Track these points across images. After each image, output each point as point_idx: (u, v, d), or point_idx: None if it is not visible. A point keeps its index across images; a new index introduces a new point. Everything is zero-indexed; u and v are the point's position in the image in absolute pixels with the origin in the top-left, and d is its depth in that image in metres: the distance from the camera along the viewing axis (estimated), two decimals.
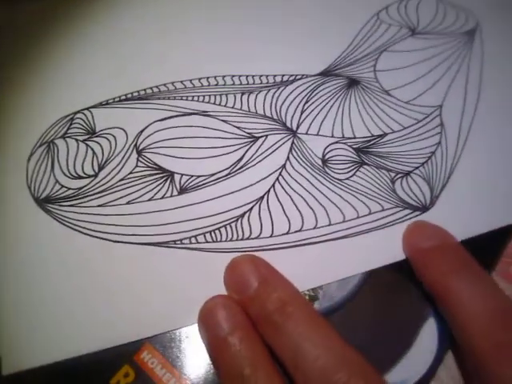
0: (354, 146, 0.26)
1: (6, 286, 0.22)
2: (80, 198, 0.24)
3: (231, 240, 0.23)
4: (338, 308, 0.22)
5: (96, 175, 0.24)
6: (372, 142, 0.26)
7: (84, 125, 0.26)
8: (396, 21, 0.31)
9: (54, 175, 0.24)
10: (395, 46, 0.30)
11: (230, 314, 0.19)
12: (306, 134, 0.26)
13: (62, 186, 0.24)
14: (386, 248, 0.23)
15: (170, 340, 0.21)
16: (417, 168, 0.25)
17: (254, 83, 0.28)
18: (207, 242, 0.23)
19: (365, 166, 0.25)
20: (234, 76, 0.28)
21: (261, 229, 0.23)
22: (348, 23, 0.30)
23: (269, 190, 0.24)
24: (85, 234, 0.23)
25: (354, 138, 0.26)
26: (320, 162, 0.25)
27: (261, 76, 0.28)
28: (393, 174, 0.25)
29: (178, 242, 0.22)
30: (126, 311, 0.21)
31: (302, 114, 0.27)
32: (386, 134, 0.26)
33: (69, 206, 0.23)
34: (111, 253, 0.22)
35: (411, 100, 0.28)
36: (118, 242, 0.22)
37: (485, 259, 0.23)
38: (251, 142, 0.26)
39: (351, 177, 0.25)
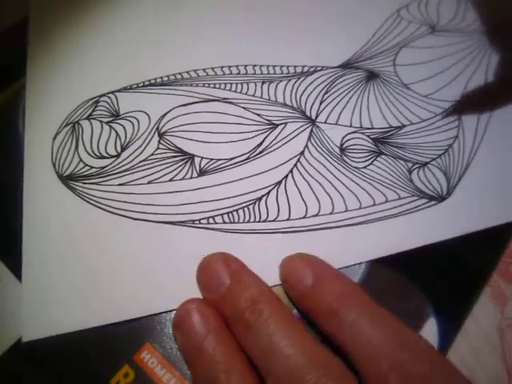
0: (372, 136, 0.26)
1: (31, 259, 0.22)
2: (102, 177, 0.24)
3: (248, 221, 0.23)
4: None
5: (118, 155, 0.25)
6: (390, 133, 0.26)
7: (108, 107, 0.26)
8: (416, 18, 0.31)
9: (78, 154, 0.25)
10: (415, 42, 0.30)
11: (203, 318, 0.19)
12: (325, 122, 0.26)
13: (86, 165, 0.24)
14: (401, 235, 0.23)
15: (170, 340, 0.21)
16: (434, 159, 0.25)
17: (274, 73, 0.28)
18: (224, 222, 0.23)
19: (382, 156, 0.25)
20: (255, 66, 0.29)
21: (278, 212, 0.23)
22: (368, 19, 0.31)
23: (287, 176, 0.25)
24: (106, 210, 0.23)
25: (372, 128, 0.26)
26: (338, 151, 0.25)
27: (282, 66, 0.29)
28: (410, 165, 0.25)
29: (196, 222, 0.23)
30: (142, 287, 0.21)
31: (321, 103, 0.27)
32: (404, 126, 0.27)
33: (91, 183, 0.24)
34: (131, 230, 0.23)
35: (430, 94, 0.28)
36: (138, 219, 0.23)
37: (485, 259, 0.23)
38: (270, 128, 0.26)
39: (368, 166, 0.25)
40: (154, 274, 0.22)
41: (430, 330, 0.21)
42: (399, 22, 0.31)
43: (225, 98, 0.27)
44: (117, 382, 0.20)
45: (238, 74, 0.28)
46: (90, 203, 0.23)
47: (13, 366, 0.20)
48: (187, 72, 0.28)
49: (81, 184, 0.24)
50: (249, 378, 0.17)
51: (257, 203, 0.24)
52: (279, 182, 0.24)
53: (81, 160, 0.25)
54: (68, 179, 0.24)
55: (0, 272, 0.22)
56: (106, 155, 0.25)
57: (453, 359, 0.20)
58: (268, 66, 0.29)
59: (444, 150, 0.26)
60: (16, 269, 0.22)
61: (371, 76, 0.28)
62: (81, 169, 0.24)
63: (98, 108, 0.26)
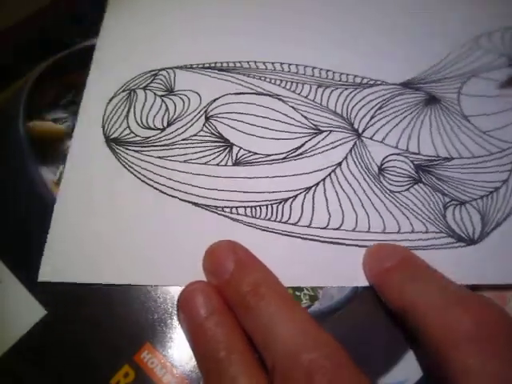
0: (416, 162, 0.25)
1: (63, 206, 0.24)
2: (144, 147, 0.25)
3: (269, 219, 0.23)
4: (337, 308, 0.22)
5: (163, 129, 0.26)
6: (436, 163, 0.25)
7: (165, 82, 0.28)
8: (497, 48, 0.30)
9: (127, 120, 0.26)
10: (488, 73, 0.29)
11: (206, 299, 0.19)
12: (371, 138, 0.26)
13: (132, 132, 0.26)
14: None
15: (170, 340, 0.21)
16: (475, 199, 0.24)
17: (332, 79, 0.28)
18: (246, 215, 0.23)
19: (420, 184, 0.25)
20: (314, 68, 0.28)
21: (300, 217, 0.24)
22: (443, 41, 0.30)
23: (318, 183, 0.25)
24: (139, 178, 0.24)
25: (419, 154, 0.26)
26: (376, 169, 0.25)
27: (341, 74, 0.28)
28: (447, 200, 0.24)
29: (220, 209, 0.24)
30: (157, 257, 0.22)
31: (371, 118, 0.27)
32: (452, 159, 0.26)
33: (133, 151, 0.25)
34: (157, 202, 0.24)
35: (489, 131, 0.26)
36: (166, 194, 0.24)
37: None
38: (314, 133, 0.26)
39: (403, 191, 0.24)
40: (169, 248, 0.23)
41: None
42: (476, 50, 0.30)
43: (277, 94, 0.27)
44: (117, 381, 0.20)
45: (297, 73, 0.28)
46: (127, 168, 0.25)
47: (13, 366, 0.20)
48: (247, 62, 0.29)
49: (123, 149, 0.25)
50: (249, 356, 0.18)
51: (282, 204, 0.24)
52: (309, 188, 0.24)
53: (128, 126, 0.26)
54: (113, 142, 0.25)
55: (0, 272, 0.22)
56: (152, 127, 0.26)
57: None
58: (328, 71, 0.28)
59: (489, 192, 0.25)
60: (16, 269, 0.22)
61: (431, 100, 0.27)
62: (126, 135, 0.26)
63: (155, 80, 0.28)
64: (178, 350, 0.20)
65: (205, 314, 0.19)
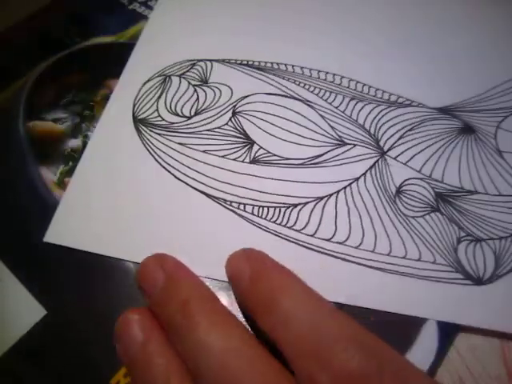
0: (437, 190, 0.24)
1: (82, 174, 0.25)
2: (167, 131, 0.26)
3: (274, 222, 0.23)
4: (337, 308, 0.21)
5: (190, 118, 0.26)
6: (458, 194, 0.24)
7: (201, 72, 0.28)
8: None
9: (157, 104, 0.27)
10: None
11: (140, 327, 0.17)
12: (395, 158, 0.25)
13: (159, 115, 0.26)
14: (415, 299, 0.22)
15: None
16: (492, 239, 0.23)
17: (367, 93, 0.28)
18: (253, 214, 0.24)
19: (437, 213, 0.24)
20: (351, 80, 0.28)
21: (306, 225, 0.23)
22: (492, 71, 0.28)
23: (331, 195, 0.24)
24: (158, 161, 0.25)
25: (442, 182, 0.25)
26: (394, 191, 0.24)
27: (377, 89, 0.28)
28: (462, 234, 0.23)
29: (228, 203, 0.24)
30: (157, 238, 0.23)
31: (399, 138, 0.26)
32: (476, 193, 0.24)
33: (156, 133, 0.26)
34: (171, 186, 0.24)
35: None
36: (179, 179, 0.24)
37: None
38: (338, 144, 0.26)
39: (418, 217, 0.24)
40: (172, 233, 0.23)
41: (429, 330, 0.21)
42: None
43: (308, 100, 0.27)
44: (117, 381, 0.20)
45: (332, 82, 0.28)
46: (147, 149, 0.25)
47: (13, 366, 0.20)
48: (285, 64, 0.29)
49: (148, 130, 0.26)
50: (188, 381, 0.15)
51: (290, 208, 0.24)
52: (321, 198, 0.24)
53: (157, 110, 0.27)
54: (139, 122, 0.26)
55: (0, 272, 0.22)
56: (179, 113, 0.26)
57: (453, 359, 0.20)
58: (364, 85, 0.28)
59: (510, 234, 0.23)
60: (16, 269, 0.22)
61: (466, 130, 0.26)
62: (153, 117, 0.26)
63: (191, 70, 0.28)
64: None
65: (139, 343, 0.17)
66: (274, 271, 0.17)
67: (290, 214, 0.24)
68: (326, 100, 0.27)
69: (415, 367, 0.14)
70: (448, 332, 0.21)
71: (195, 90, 0.27)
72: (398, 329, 0.21)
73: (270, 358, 0.15)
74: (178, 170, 0.25)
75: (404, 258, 0.23)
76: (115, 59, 0.29)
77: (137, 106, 0.27)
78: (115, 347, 0.18)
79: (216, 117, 0.27)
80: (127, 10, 0.32)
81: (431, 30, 0.30)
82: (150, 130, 0.26)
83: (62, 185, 0.25)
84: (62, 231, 0.23)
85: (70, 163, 0.26)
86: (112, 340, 0.19)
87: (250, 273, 0.17)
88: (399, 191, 0.24)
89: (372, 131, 0.26)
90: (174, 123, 0.26)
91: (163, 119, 0.26)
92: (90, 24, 0.31)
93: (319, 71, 0.28)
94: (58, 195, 0.25)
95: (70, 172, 0.25)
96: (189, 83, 0.28)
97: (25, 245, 0.23)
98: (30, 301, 0.22)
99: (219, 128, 0.26)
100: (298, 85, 0.28)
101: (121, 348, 0.17)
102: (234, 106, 0.27)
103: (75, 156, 0.26)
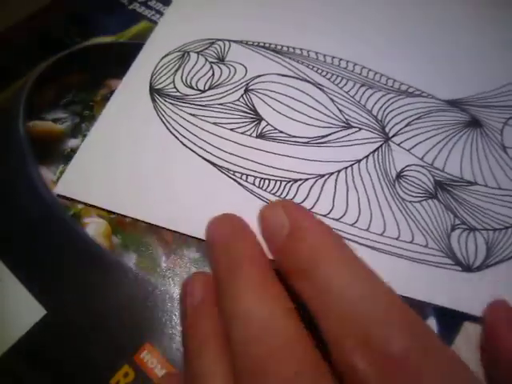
0: (437, 178, 0.25)
1: (99, 135, 0.26)
2: (181, 102, 0.27)
3: (274, 194, 0.24)
4: None
5: (203, 91, 0.28)
6: (457, 184, 0.25)
7: (218, 51, 0.29)
8: None
9: (174, 76, 0.28)
10: None
11: (200, 287, 0.17)
12: (398, 145, 0.26)
13: (174, 87, 0.28)
14: (405, 279, 0.22)
15: (170, 340, 0.21)
16: (486, 230, 0.24)
17: (379, 81, 0.28)
18: (254, 184, 0.24)
19: (434, 200, 0.24)
20: (364, 67, 0.29)
21: (304, 199, 0.24)
22: (507, 68, 0.29)
23: (332, 173, 0.25)
24: (169, 129, 0.26)
25: (442, 171, 0.25)
26: (394, 175, 0.25)
27: (388, 78, 0.28)
28: (457, 222, 0.24)
29: (231, 172, 0.25)
30: (167, 202, 0.24)
31: (406, 126, 0.27)
32: (475, 184, 0.25)
33: (170, 103, 0.27)
34: (178, 152, 0.26)
35: None
36: (187, 147, 0.26)
37: None
38: (344, 127, 0.26)
39: (415, 202, 0.24)
40: (175, 195, 0.24)
41: None
42: None
43: (319, 84, 0.28)
44: (117, 381, 0.20)
45: (345, 68, 0.29)
46: (159, 117, 0.27)
47: (13, 366, 0.20)
48: (300, 49, 0.29)
49: (162, 100, 0.27)
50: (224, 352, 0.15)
51: (290, 183, 0.25)
52: (321, 176, 0.25)
53: (173, 82, 0.28)
54: (155, 92, 0.28)
55: (0, 272, 0.22)
56: (194, 87, 0.28)
57: None
58: (376, 73, 0.29)
59: (504, 226, 0.24)
60: (16, 269, 0.22)
61: (473, 123, 0.27)
62: (169, 88, 0.28)
63: (210, 48, 0.29)
64: (178, 350, 0.21)
65: (197, 300, 0.17)
66: (316, 230, 0.16)
67: (290, 187, 0.24)
68: (337, 84, 0.28)
69: (461, 360, 0.13)
70: (448, 332, 0.21)
71: (211, 67, 0.28)
72: None
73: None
74: (187, 138, 0.26)
75: (397, 239, 0.23)
76: (115, 59, 0.29)
77: (154, 77, 0.28)
78: (115, 348, 0.20)
79: (228, 92, 0.28)
80: (127, 10, 0.32)
81: (450, 27, 0.30)
82: (165, 100, 0.27)
83: None
84: (72, 185, 0.24)
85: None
86: (112, 340, 0.21)
87: (290, 229, 0.16)
88: (399, 176, 0.25)
89: (379, 117, 0.27)
90: (188, 95, 0.27)
91: (178, 91, 0.28)
92: (90, 24, 0.31)
93: (333, 57, 0.29)
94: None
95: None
96: (206, 60, 0.29)
97: (25, 245, 0.23)
98: (30, 301, 0.22)
99: (231, 103, 0.27)
100: (312, 69, 0.29)
101: (181, 305, 0.18)
102: (247, 83, 0.28)
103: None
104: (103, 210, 0.24)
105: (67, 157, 0.26)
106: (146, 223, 0.24)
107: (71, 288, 0.22)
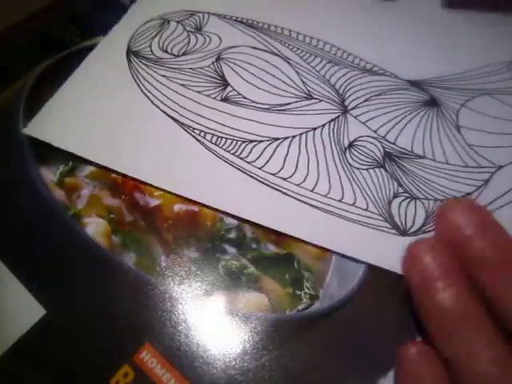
0: (387, 150, 0.26)
1: (73, 86, 0.28)
2: (155, 64, 0.29)
3: (229, 152, 0.26)
4: (338, 308, 0.22)
5: (176, 56, 0.29)
6: (406, 156, 0.26)
7: (197, 22, 0.31)
8: None
9: (151, 41, 0.30)
10: (504, 96, 0.28)
11: (441, 260, 0.19)
12: (355, 117, 0.27)
13: (150, 51, 0.29)
14: (345, 239, 0.23)
15: (170, 340, 0.21)
16: (427, 199, 0.24)
17: (346, 59, 0.30)
18: (211, 142, 0.26)
19: (381, 169, 0.25)
20: (333, 46, 0.30)
21: (257, 158, 0.26)
22: (473, 54, 0.30)
23: (286, 138, 0.26)
24: (141, 89, 0.28)
25: (393, 144, 0.26)
26: (346, 144, 0.26)
27: (355, 57, 0.30)
28: (400, 190, 0.25)
29: (191, 129, 0.26)
30: (127, 149, 0.26)
31: (365, 101, 0.28)
32: (424, 157, 0.26)
33: (144, 64, 0.29)
34: (149, 111, 0.27)
35: (476, 146, 0.26)
36: (156, 106, 0.27)
37: None
38: (305, 97, 0.28)
39: (362, 170, 0.25)
40: (142, 147, 0.26)
41: None
42: (503, 72, 0.29)
43: (287, 58, 0.29)
44: (116, 381, 0.20)
45: (316, 46, 0.30)
46: (133, 76, 0.28)
47: (13, 366, 0.20)
48: (275, 26, 0.31)
49: (138, 61, 0.29)
50: (488, 323, 0.17)
51: (245, 143, 0.26)
52: (276, 139, 0.26)
53: (150, 46, 0.30)
54: (132, 54, 0.29)
55: (0, 272, 0.22)
56: (168, 51, 0.29)
57: None
58: (344, 52, 0.30)
59: (444, 197, 0.25)
60: (16, 269, 0.22)
61: (431, 103, 0.28)
62: (145, 52, 0.29)
63: (189, 19, 0.31)
64: (178, 350, 0.20)
65: (439, 274, 0.18)
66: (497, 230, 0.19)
67: (244, 147, 0.26)
68: (305, 60, 0.29)
69: None
70: None
71: (188, 35, 0.30)
72: (398, 329, 0.21)
73: None
74: (157, 98, 0.28)
75: (340, 201, 0.24)
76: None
77: (133, 40, 0.30)
78: (114, 348, 0.20)
79: (200, 59, 0.29)
80: (127, 10, 0.32)
81: (417, 11, 0.32)
82: (140, 61, 0.29)
83: (61, 185, 0.25)
84: (43, 127, 0.26)
85: (70, 163, 0.26)
86: (112, 340, 0.21)
87: (475, 225, 0.18)
88: (351, 145, 0.26)
89: (341, 91, 0.28)
90: (162, 59, 0.29)
91: (153, 54, 0.29)
92: (90, 24, 0.31)
93: (305, 35, 0.31)
94: (57, 195, 0.25)
95: (69, 172, 0.26)
96: (184, 28, 0.30)
97: (25, 245, 0.23)
98: (30, 300, 0.22)
99: (201, 68, 0.29)
100: (283, 44, 0.30)
101: (416, 274, 0.19)
102: (220, 53, 0.30)
103: (75, 156, 0.26)
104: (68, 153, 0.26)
105: (67, 157, 0.26)
106: (109, 169, 0.25)
107: (71, 288, 0.22)
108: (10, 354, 0.20)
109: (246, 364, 0.20)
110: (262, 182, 0.25)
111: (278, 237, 0.24)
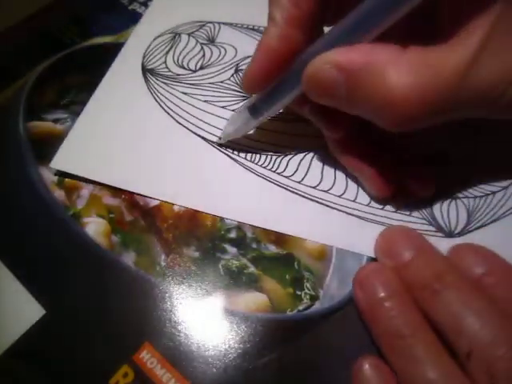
0: None
1: (92, 111, 0.27)
2: (173, 81, 0.28)
3: (265, 167, 0.26)
4: (338, 308, 0.22)
5: (194, 71, 0.29)
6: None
7: (208, 33, 0.31)
8: None
9: (165, 57, 0.29)
10: None
11: (386, 281, 0.20)
12: None
13: (166, 67, 0.29)
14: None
15: (170, 340, 0.21)
16: (467, 198, 0.24)
17: None
18: (246, 159, 0.26)
19: None
20: None
21: (293, 173, 0.26)
22: None
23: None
24: (162, 107, 0.28)
25: None
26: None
27: None
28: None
29: (223, 148, 0.26)
30: (153, 173, 0.25)
31: None
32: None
33: (162, 82, 0.28)
34: (171, 128, 0.27)
35: None
36: (179, 123, 0.27)
37: None
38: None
39: None
40: (167, 168, 0.25)
41: None
42: None
43: None
44: (116, 381, 0.20)
45: None
46: (153, 95, 0.28)
47: (12, 366, 0.20)
48: None
49: (154, 79, 0.28)
50: (433, 337, 0.18)
51: (281, 157, 0.26)
52: (309, 150, 0.27)
53: (165, 62, 0.29)
54: (148, 72, 0.29)
55: (0, 272, 0.22)
56: (185, 67, 0.29)
57: None
58: None
59: (485, 194, 0.24)
60: (16, 268, 0.23)
61: None
62: (161, 68, 0.29)
63: (200, 30, 0.31)
64: (178, 350, 0.21)
65: (385, 294, 0.20)
66: (433, 255, 0.21)
67: (280, 161, 0.26)
68: None
69: None
70: None
71: (202, 48, 0.30)
72: None
73: None
74: (179, 115, 0.27)
75: (382, 209, 0.24)
76: (115, 59, 0.30)
77: (146, 58, 0.29)
78: (114, 348, 0.20)
79: (219, 72, 0.29)
80: (127, 10, 0.33)
81: None
82: (157, 79, 0.28)
83: (61, 185, 0.25)
84: (67, 159, 0.25)
85: None
86: (111, 340, 0.21)
87: (414, 252, 0.20)
88: None
89: None
90: (179, 75, 0.29)
91: (170, 70, 0.29)
92: (89, 24, 0.32)
93: None
94: (57, 195, 0.25)
95: (69, 172, 0.26)
96: (197, 41, 0.30)
97: (25, 245, 0.23)
98: (29, 300, 0.22)
99: (221, 82, 0.28)
100: None
101: (364, 296, 0.20)
102: (237, 64, 0.30)
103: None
104: (99, 184, 0.25)
105: None
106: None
107: (70, 288, 0.22)
108: (10, 354, 0.20)
109: (245, 364, 0.20)
110: (304, 196, 0.25)
111: (279, 237, 0.24)
